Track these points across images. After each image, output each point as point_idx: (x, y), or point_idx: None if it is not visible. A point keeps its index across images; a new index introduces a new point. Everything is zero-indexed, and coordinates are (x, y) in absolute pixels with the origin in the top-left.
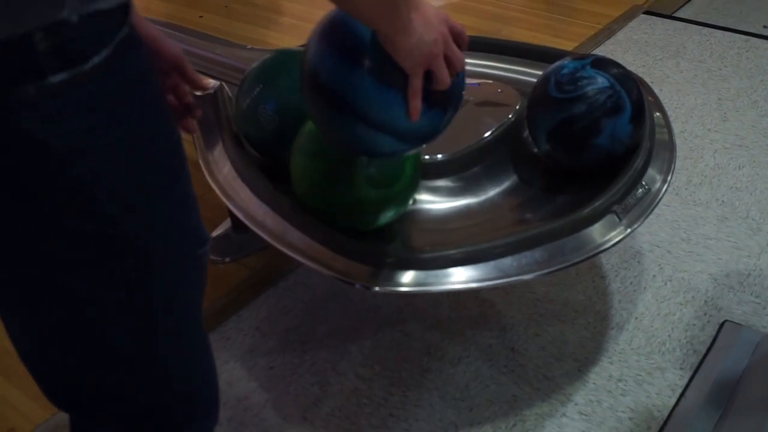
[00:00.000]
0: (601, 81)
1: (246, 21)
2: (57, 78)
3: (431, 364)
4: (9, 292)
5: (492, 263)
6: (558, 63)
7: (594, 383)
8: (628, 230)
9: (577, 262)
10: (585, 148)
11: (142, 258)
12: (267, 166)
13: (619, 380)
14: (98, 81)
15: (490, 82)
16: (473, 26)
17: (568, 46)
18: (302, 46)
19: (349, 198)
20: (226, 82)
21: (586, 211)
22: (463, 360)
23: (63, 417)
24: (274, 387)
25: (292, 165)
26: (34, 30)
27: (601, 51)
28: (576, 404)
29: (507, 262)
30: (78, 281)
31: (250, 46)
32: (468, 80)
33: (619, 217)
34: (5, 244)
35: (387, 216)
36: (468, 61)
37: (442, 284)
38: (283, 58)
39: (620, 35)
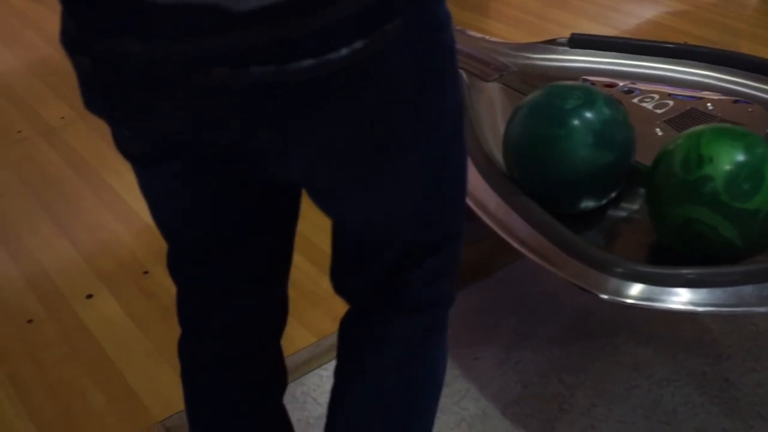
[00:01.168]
0: None
1: (470, 9)
2: None
3: (639, 381)
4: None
5: (731, 289)
6: None
7: None
8: None
9: None
10: None
11: (460, 122)
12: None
13: None
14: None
15: (718, 96)
16: (709, 38)
17: None
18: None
19: None
20: (464, 70)
21: None
22: (672, 382)
23: None
24: (477, 378)
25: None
26: None
27: None
28: None
29: (748, 290)
30: (453, 146)
31: (488, 37)
32: (692, 92)
33: None
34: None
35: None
36: (710, 74)
37: (675, 303)
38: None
39: None
